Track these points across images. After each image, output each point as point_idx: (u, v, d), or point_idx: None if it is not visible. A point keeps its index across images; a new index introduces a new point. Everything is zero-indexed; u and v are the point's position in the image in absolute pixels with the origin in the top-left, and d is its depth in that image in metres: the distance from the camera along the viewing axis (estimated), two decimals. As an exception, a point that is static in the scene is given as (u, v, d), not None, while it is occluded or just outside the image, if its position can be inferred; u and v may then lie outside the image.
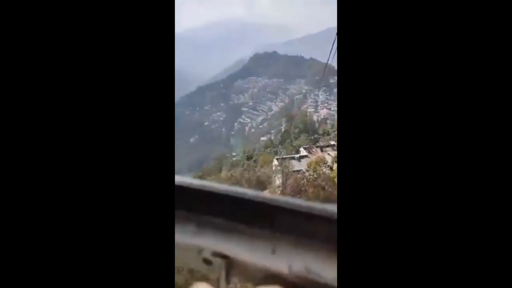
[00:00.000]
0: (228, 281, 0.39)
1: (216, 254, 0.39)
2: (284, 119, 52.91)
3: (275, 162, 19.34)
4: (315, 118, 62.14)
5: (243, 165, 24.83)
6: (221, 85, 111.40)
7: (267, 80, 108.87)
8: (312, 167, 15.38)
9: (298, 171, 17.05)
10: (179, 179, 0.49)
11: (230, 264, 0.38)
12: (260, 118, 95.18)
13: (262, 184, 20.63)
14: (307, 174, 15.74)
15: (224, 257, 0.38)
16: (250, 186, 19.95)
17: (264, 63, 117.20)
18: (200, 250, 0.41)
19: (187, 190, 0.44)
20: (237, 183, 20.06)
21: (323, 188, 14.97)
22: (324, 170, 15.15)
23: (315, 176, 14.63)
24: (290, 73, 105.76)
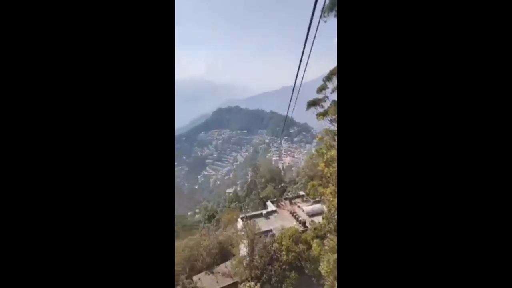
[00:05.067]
0: None
1: None
2: (250, 169, 51.11)
3: (240, 221, 16.23)
4: (280, 165, 62.13)
5: (203, 227, 20.71)
6: (184, 139, 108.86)
7: (230, 132, 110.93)
8: (284, 243, 11.80)
9: (267, 232, 14.13)
10: None
11: None
12: (226, 169, 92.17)
13: (224, 253, 16.69)
14: (277, 234, 12.90)
15: None
16: (209, 256, 15.90)
17: (227, 116, 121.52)
18: None
19: None
20: (192, 254, 15.86)
21: (299, 258, 12.00)
22: (301, 247, 11.66)
23: (291, 256, 11.38)
24: (252, 125, 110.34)
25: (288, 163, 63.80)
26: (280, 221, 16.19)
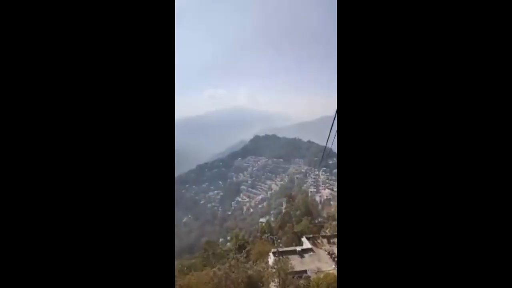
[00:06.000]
0: None
1: None
2: (284, 199, 48.96)
3: (272, 256, 15.06)
4: (317, 198, 58.23)
5: (233, 257, 19.84)
6: (221, 164, 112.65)
7: (266, 160, 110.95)
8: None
9: (301, 273, 12.70)
10: None
11: None
12: (260, 197, 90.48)
13: (253, 289, 15.39)
14: (313, 278, 11.44)
15: None
16: (237, 291, 14.80)
17: (264, 144, 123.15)
18: None
19: None
20: (220, 285, 15.00)
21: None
22: None
23: None
24: (289, 154, 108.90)
25: (327, 197, 59.54)
26: (316, 261, 14.53)
